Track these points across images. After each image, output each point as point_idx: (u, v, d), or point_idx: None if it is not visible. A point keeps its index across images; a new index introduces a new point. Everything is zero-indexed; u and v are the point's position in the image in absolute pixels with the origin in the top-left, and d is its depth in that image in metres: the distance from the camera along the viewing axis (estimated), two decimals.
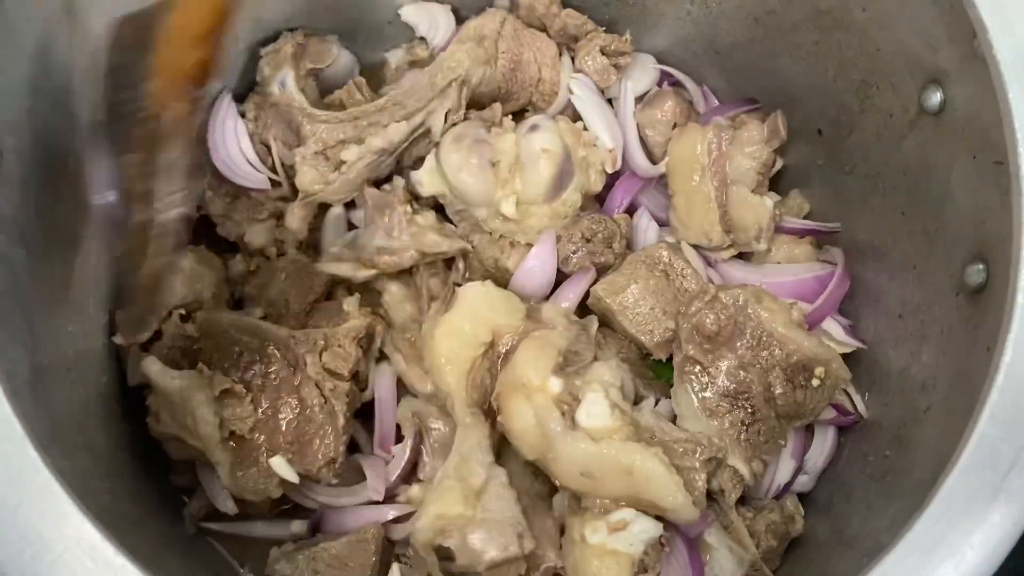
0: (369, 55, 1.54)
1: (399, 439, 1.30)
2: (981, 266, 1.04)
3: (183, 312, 1.26)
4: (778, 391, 1.17)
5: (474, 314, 1.19)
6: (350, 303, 1.30)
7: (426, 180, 1.33)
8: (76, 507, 0.84)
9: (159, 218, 1.05)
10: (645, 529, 1.09)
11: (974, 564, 0.87)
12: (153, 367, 1.19)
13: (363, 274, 1.33)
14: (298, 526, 1.26)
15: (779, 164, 1.44)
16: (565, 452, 1.09)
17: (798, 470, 1.29)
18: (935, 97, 1.12)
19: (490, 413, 1.17)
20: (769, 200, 1.35)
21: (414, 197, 1.36)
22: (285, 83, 1.36)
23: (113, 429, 1.16)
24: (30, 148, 1.06)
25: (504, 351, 1.18)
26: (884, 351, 1.26)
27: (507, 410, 1.13)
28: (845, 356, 1.28)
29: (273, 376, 1.22)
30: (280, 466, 1.18)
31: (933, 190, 1.16)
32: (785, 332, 1.17)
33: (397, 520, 1.25)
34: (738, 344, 1.18)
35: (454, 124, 1.35)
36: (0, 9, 1.01)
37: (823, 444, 1.31)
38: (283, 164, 1.37)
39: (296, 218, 1.37)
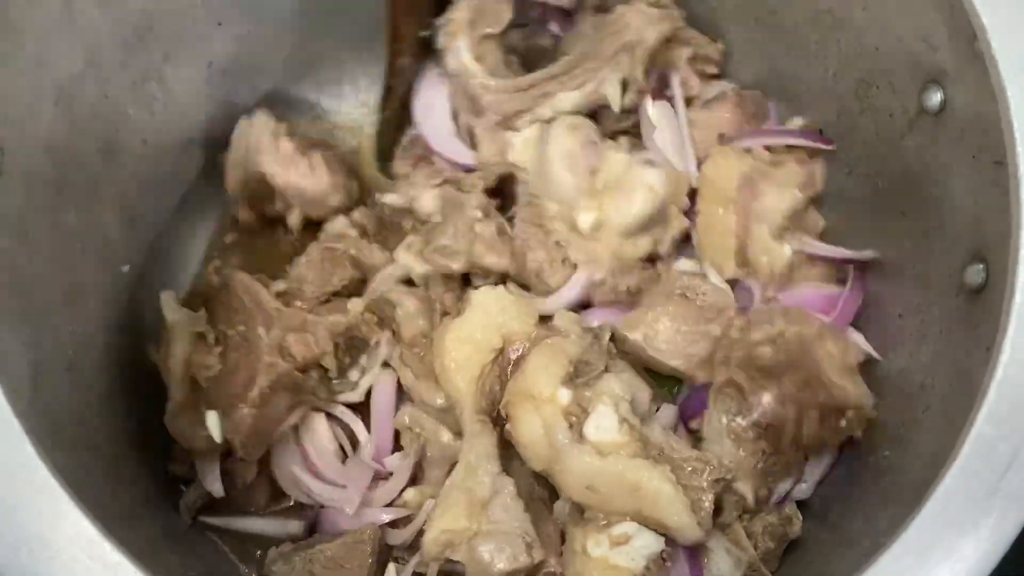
0: None
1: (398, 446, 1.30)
2: (981, 266, 1.03)
3: (217, 263, 1.39)
4: (807, 431, 1.16)
5: (486, 319, 1.18)
6: (355, 304, 1.29)
7: (519, 147, 1.31)
8: (74, 505, 0.84)
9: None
10: (647, 544, 1.08)
11: (971, 563, 0.87)
12: (168, 301, 1.25)
13: (422, 269, 1.31)
14: (295, 526, 1.27)
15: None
16: (572, 465, 1.07)
17: (797, 480, 1.28)
18: (935, 97, 1.12)
19: (498, 420, 1.16)
20: (788, 248, 1.29)
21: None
22: (461, 53, 1.36)
23: (113, 428, 1.16)
24: (31, 145, 1.07)
25: (515, 358, 1.17)
26: (884, 351, 1.26)
27: (515, 419, 1.12)
28: None
29: (248, 340, 1.23)
30: (212, 421, 1.19)
31: (933, 190, 1.15)
32: (838, 381, 1.15)
33: (395, 525, 1.25)
34: (786, 378, 1.15)
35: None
36: (1, 7, 1.01)
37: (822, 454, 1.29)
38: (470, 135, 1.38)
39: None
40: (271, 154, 1.37)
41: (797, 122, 1.33)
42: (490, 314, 1.18)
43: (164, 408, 1.27)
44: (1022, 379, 0.92)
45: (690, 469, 1.11)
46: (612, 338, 1.25)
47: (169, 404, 1.22)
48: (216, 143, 1.42)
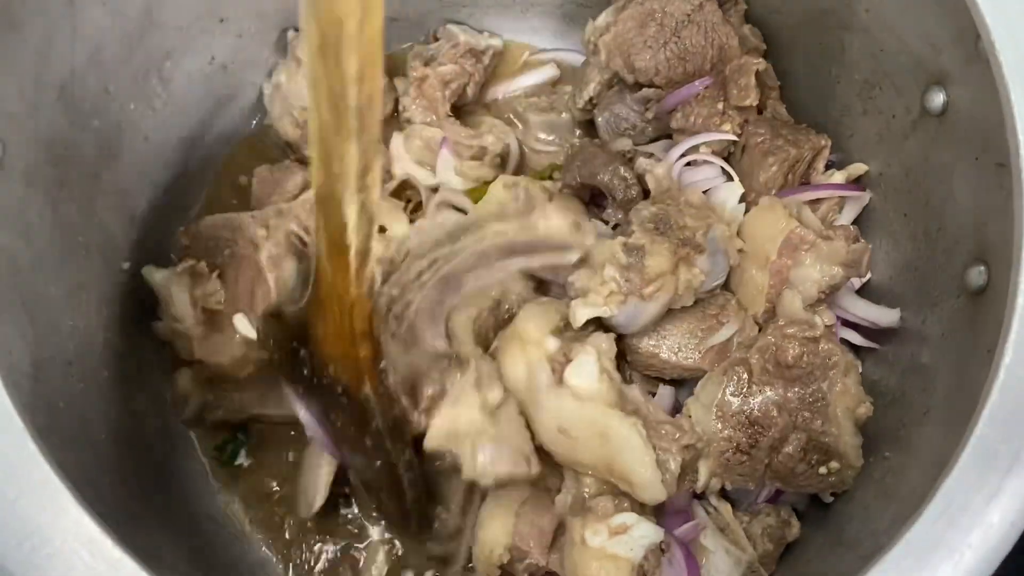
0: None
1: None
2: (982, 268, 1.04)
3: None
4: (787, 450, 1.13)
5: None
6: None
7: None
8: (75, 500, 0.84)
9: None
10: (645, 534, 1.08)
11: (972, 565, 0.87)
12: (149, 271, 1.28)
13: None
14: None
15: None
16: (548, 406, 1.09)
17: (756, 497, 1.26)
18: (938, 99, 1.12)
19: None
20: (819, 320, 1.19)
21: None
22: None
23: (114, 422, 1.16)
24: (33, 141, 1.07)
25: (508, 313, 1.20)
26: (885, 353, 1.26)
27: (502, 360, 1.14)
28: None
29: (238, 255, 1.29)
30: (240, 322, 1.25)
31: (935, 192, 1.16)
32: (839, 418, 1.13)
33: None
34: (795, 388, 1.14)
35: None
36: (3, 4, 1.01)
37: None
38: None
39: None
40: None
41: (838, 176, 1.32)
42: None
43: (164, 403, 1.30)
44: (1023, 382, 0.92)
45: (663, 431, 1.11)
46: (621, 348, 1.24)
47: (193, 346, 1.28)
48: (218, 139, 1.42)
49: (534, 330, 1.13)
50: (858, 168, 1.32)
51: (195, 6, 1.28)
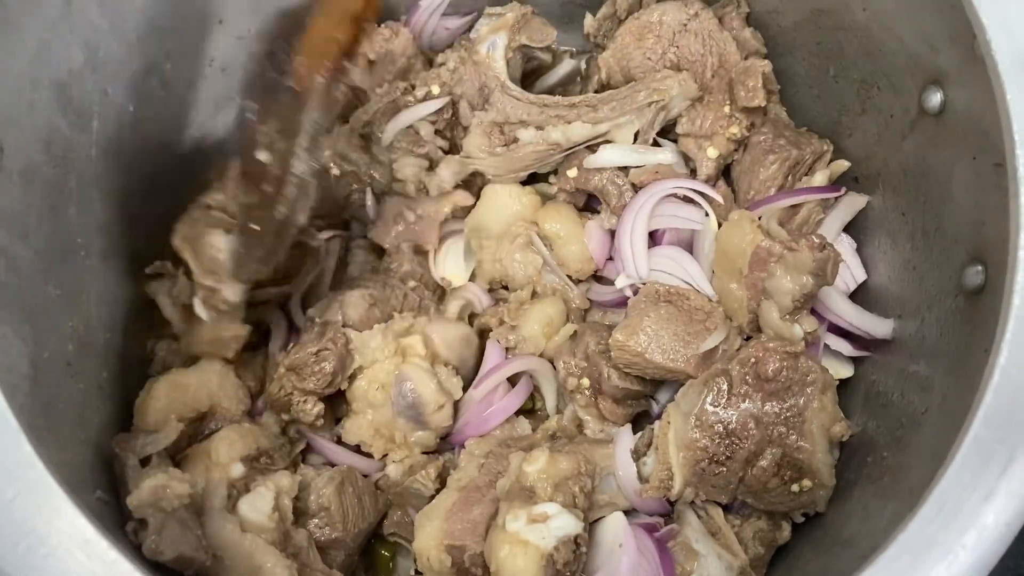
0: None
1: None
2: (980, 267, 1.03)
3: None
4: (761, 463, 1.14)
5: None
6: None
7: None
8: (70, 501, 0.84)
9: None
10: (563, 526, 1.09)
11: (967, 565, 0.87)
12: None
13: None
14: None
15: None
16: (210, 527, 1.09)
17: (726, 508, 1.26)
18: (935, 98, 1.12)
19: None
20: (799, 329, 1.20)
21: None
22: (495, 47, 1.41)
23: (111, 424, 1.16)
24: (32, 144, 1.07)
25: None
26: (883, 353, 1.26)
27: (187, 465, 1.19)
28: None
29: None
30: (197, 305, 1.25)
31: (933, 191, 1.16)
32: (815, 434, 1.14)
33: None
34: (772, 402, 1.14)
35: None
36: (1, 5, 1.01)
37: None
38: (459, 120, 1.43)
39: (448, 171, 1.40)
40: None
41: (820, 176, 1.33)
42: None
43: None
44: (1019, 382, 0.92)
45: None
46: (609, 347, 1.26)
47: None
48: (218, 141, 1.42)
49: (225, 453, 1.18)
50: (840, 165, 1.33)
51: (193, 8, 1.29)
